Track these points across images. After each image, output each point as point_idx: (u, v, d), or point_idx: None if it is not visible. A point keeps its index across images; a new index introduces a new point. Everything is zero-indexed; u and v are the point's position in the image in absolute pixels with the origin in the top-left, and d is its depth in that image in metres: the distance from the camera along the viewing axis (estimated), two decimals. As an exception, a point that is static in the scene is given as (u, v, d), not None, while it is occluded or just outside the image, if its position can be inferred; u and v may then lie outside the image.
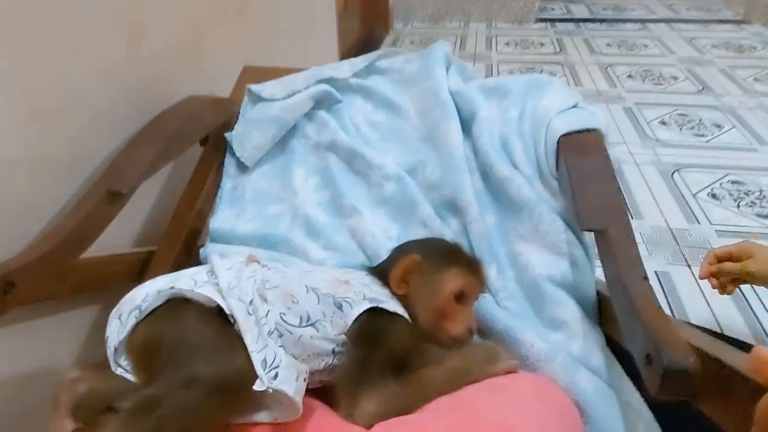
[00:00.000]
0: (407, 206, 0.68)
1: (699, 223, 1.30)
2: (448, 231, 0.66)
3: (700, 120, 1.81)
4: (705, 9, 3.23)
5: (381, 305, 0.49)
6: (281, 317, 0.47)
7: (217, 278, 0.48)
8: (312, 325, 0.48)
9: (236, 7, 1.11)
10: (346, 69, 0.83)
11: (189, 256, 0.74)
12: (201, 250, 0.70)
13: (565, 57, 2.47)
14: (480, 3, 3.05)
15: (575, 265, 0.59)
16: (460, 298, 0.53)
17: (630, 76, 2.21)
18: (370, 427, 0.44)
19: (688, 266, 1.17)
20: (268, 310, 0.47)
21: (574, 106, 0.72)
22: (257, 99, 0.81)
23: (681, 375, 0.38)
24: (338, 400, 0.47)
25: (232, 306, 0.45)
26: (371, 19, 2.87)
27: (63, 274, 0.59)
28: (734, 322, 1.04)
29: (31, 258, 0.53)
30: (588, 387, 0.50)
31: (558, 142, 0.65)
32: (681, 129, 1.76)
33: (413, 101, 0.79)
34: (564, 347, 0.54)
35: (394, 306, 0.51)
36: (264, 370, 0.42)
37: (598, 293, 0.58)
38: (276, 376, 0.42)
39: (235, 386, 0.42)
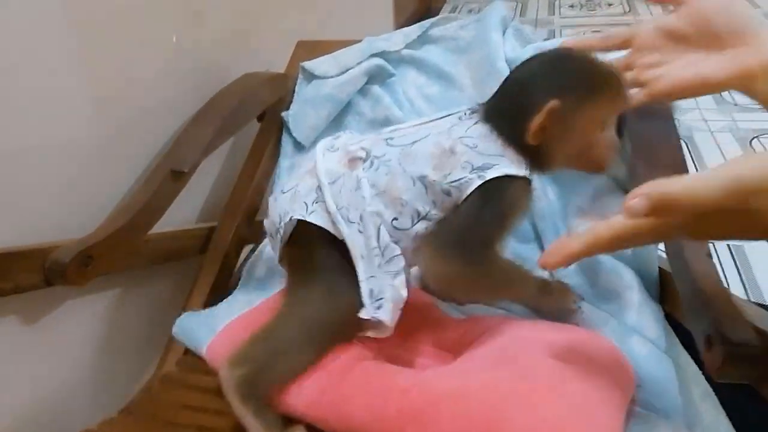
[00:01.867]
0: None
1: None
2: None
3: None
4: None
5: (489, 175, 0.46)
6: (393, 225, 0.48)
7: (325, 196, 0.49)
8: (424, 218, 0.48)
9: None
10: (398, 40, 0.82)
11: (250, 228, 0.78)
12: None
13: (635, 18, 2.32)
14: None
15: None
16: (604, 123, 0.49)
17: None
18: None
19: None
20: (380, 225, 0.47)
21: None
22: (311, 77, 0.82)
23: (743, 357, 0.36)
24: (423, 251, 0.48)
25: (343, 232, 0.47)
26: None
27: (135, 248, 0.63)
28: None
29: (105, 234, 0.57)
30: (642, 351, 0.48)
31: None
32: None
33: (469, 70, 0.77)
34: (617, 315, 0.53)
35: (505, 168, 0.46)
36: (370, 300, 0.46)
37: (660, 270, 0.56)
38: (380, 307, 0.46)
39: (347, 319, 0.47)
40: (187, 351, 0.60)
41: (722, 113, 1.54)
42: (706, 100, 1.61)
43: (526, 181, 0.48)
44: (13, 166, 0.53)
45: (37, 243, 0.54)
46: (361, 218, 0.48)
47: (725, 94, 1.64)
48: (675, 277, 0.49)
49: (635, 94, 0.50)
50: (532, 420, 0.36)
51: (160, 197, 0.64)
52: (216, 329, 0.57)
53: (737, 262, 1.05)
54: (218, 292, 0.69)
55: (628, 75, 0.50)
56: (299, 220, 0.49)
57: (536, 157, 0.48)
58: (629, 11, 2.41)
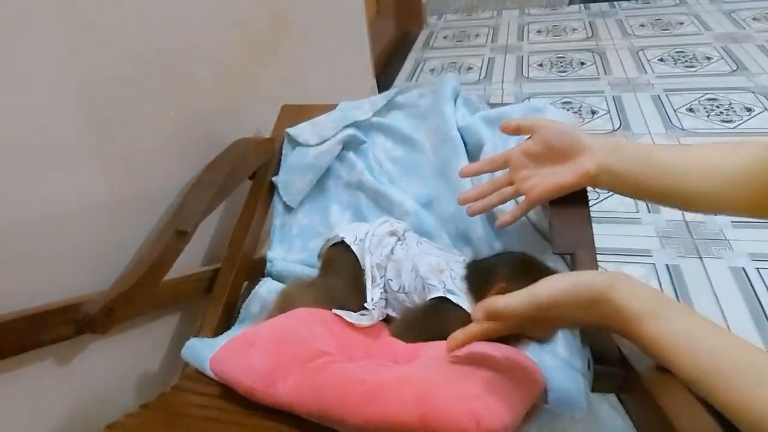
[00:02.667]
0: (426, 237, 0.82)
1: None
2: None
3: (730, 104, 1.83)
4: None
5: (450, 296, 0.68)
6: (388, 282, 0.74)
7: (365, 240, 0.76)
8: (405, 293, 0.73)
9: (268, 43, 1.26)
10: (367, 108, 0.96)
11: (249, 273, 0.92)
12: (268, 266, 0.91)
13: (597, 42, 2.49)
14: (512, -10, 3.09)
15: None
16: None
17: (661, 59, 2.22)
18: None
19: (700, 258, 1.24)
20: (386, 278, 0.74)
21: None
22: (295, 143, 0.96)
23: (607, 376, 0.51)
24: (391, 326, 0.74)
25: (365, 264, 0.75)
26: (405, 17, 2.96)
27: (148, 296, 0.77)
28: (741, 317, 1.11)
29: (124, 288, 0.70)
30: (552, 363, 0.63)
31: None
32: (709, 116, 1.79)
33: (427, 136, 0.92)
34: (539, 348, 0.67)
35: (460, 300, 0.68)
36: (369, 303, 0.72)
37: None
38: (373, 308, 0.71)
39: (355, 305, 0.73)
40: (194, 372, 0.74)
41: (670, 137, 1.70)
42: (657, 125, 1.78)
43: (467, 315, 0.68)
44: (36, 231, 0.66)
45: (65, 299, 0.67)
46: (377, 265, 0.74)
47: (673, 117, 1.80)
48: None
49: (521, 205, 0.72)
50: (452, 393, 0.51)
51: (168, 253, 0.78)
52: (215, 351, 0.71)
53: (673, 280, 1.20)
54: (224, 327, 0.83)
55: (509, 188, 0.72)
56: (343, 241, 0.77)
57: None
58: (592, 36, 2.58)
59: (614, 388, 0.51)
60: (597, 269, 0.64)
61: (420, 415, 0.51)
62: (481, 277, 0.69)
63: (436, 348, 0.65)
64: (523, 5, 3.09)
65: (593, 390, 0.52)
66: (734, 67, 2.08)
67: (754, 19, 2.49)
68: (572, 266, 0.67)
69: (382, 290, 0.74)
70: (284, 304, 0.76)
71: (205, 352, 0.73)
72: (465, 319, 0.67)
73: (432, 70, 2.45)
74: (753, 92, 1.88)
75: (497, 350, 0.62)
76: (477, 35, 2.80)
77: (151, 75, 0.84)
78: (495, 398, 0.52)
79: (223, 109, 1.04)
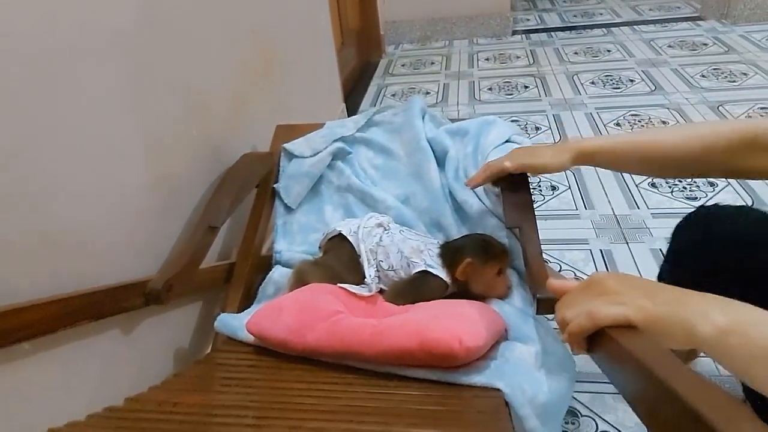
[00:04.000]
0: (406, 227, 1.03)
1: (638, 208, 1.64)
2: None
3: (649, 119, 2.15)
4: (666, 8, 3.55)
5: (431, 270, 0.88)
6: (379, 263, 0.92)
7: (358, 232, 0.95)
8: (393, 270, 0.91)
9: (261, 76, 1.47)
10: (351, 126, 1.18)
11: (258, 263, 1.10)
12: (275, 257, 1.09)
13: (538, 68, 2.81)
14: (461, 23, 3.40)
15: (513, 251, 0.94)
16: (499, 273, 0.89)
17: (593, 82, 2.55)
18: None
19: (627, 243, 1.50)
20: (377, 260, 0.93)
21: (507, 140, 1.07)
22: (291, 156, 1.16)
23: (546, 302, 0.73)
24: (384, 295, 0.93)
25: (361, 250, 0.94)
26: (366, 47, 3.22)
27: (192, 279, 0.95)
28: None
29: (177, 270, 0.88)
30: (510, 310, 0.85)
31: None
32: (632, 128, 2.10)
33: (402, 146, 1.14)
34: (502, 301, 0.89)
35: (438, 272, 0.88)
36: (368, 279, 0.90)
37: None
38: (371, 282, 0.90)
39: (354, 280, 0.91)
40: (225, 340, 0.92)
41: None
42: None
43: (445, 283, 0.89)
44: (99, 227, 0.84)
45: (135, 278, 0.85)
46: (370, 250, 0.93)
47: (603, 132, 2.10)
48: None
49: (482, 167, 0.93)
50: (440, 326, 0.72)
51: (203, 245, 0.97)
52: (243, 322, 0.89)
53: (606, 262, 1.45)
54: (245, 306, 1.01)
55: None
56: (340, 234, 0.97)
57: (468, 283, 0.89)
58: (533, 63, 2.90)
59: (552, 310, 0.73)
60: (538, 239, 0.86)
61: (418, 342, 0.72)
62: (452, 254, 0.91)
63: (423, 306, 0.85)
64: (471, 35, 3.41)
65: (537, 313, 0.74)
66: (653, 88, 2.41)
67: (669, 46, 2.87)
68: (520, 237, 0.90)
69: (376, 269, 0.94)
70: (298, 277, 0.95)
71: (234, 323, 0.92)
72: (443, 285, 0.89)
73: (393, 95, 2.70)
74: (668, 108, 2.20)
75: (470, 304, 0.84)
76: (432, 63, 3.08)
77: (183, 105, 1.04)
78: (471, 327, 0.74)
79: (229, 129, 1.24)
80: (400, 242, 0.94)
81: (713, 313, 0.44)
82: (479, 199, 1.02)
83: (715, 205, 0.85)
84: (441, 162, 1.10)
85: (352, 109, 2.48)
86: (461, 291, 0.90)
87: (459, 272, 0.87)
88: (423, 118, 1.16)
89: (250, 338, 0.87)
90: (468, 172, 1.05)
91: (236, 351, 0.88)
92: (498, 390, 0.68)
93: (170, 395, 0.71)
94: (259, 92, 1.42)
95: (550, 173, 1.18)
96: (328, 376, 0.77)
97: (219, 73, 1.21)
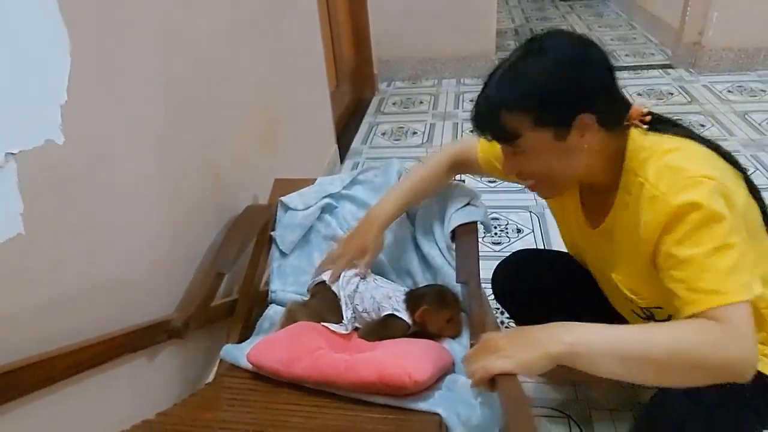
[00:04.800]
0: (380, 273, 1.25)
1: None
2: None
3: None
4: (641, 54, 3.82)
5: (396, 314, 1.10)
6: (355, 307, 1.14)
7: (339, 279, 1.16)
8: (367, 312, 1.13)
9: (262, 134, 1.69)
10: (338, 184, 1.41)
11: (256, 300, 1.31)
12: (271, 295, 1.30)
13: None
14: (450, 63, 3.65)
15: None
16: (450, 319, 1.12)
17: (565, 128, 2.78)
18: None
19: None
20: (354, 304, 1.14)
21: (468, 203, 1.30)
22: (286, 207, 1.39)
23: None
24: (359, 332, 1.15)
25: (340, 295, 1.15)
26: (360, 85, 3.46)
27: (203, 317, 1.16)
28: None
29: (192, 310, 1.10)
30: (458, 348, 1.07)
31: (453, 230, 1.23)
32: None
33: (379, 203, 1.37)
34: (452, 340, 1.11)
35: (402, 315, 1.10)
36: (345, 320, 1.12)
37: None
38: (347, 323, 1.12)
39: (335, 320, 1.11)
40: (228, 366, 1.13)
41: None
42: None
43: (408, 324, 1.11)
44: (135, 275, 1.06)
45: (157, 317, 1.06)
46: (348, 296, 1.12)
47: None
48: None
49: None
50: (396, 363, 0.93)
51: (213, 288, 1.18)
52: (243, 352, 1.10)
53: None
54: (244, 338, 1.22)
55: None
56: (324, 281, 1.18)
57: (425, 325, 1.12)
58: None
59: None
60: (482, 294, 1.09)
61: (378, 376, 0.93)
62: (413, 301, 1.13)
63: (387, 344, 1.07)
64: (459, 75, 3.66)
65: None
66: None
67: (639, 94, 3.12)
68: (467, 292, 1.12)
69: (352, 312, 1.16)
70: (289, 315, 1.16)
71: (235, 352, 1.13)
72: (405, 326, 1.11)
73: (383, 134, 2.94)
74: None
75: (425, 343, 1.06)
76: (421, 102, 3.33)
77: (198, 170, 1.27)
78: (420, 364, 0.95)
79: (234, 185, 1.46)
80: (373, 289, 1.16)
81: (559, 336, 0.71)
82: (441, 252, 1.24)
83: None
84: (412, 219, 1.32)
85: (344, 147, 2.71)
86: (421, 330, 1.12)
87: (417, 316, 1.09)
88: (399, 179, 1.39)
89: (249, 366, 1.08)
90: (434, 228, 1.27)
91: (238, 376, 1.09)
92: (438, 414, 0.89)
93: (190, 411, 0.93)
94: (259, 148, 1.64)
95: None
96: (311, 399, 0.98)
97: (227, 139, 1.43)
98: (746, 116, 2.71)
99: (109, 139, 0.96)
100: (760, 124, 2.62)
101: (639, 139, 0.84)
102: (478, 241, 1.19)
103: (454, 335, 1.13)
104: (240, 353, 1.11)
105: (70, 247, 0.88)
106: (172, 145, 1.15)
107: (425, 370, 0.94)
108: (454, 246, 1.23)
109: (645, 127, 0.85)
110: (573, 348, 0.69)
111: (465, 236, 1.20)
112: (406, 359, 0.95)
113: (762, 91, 3.00)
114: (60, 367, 0.81)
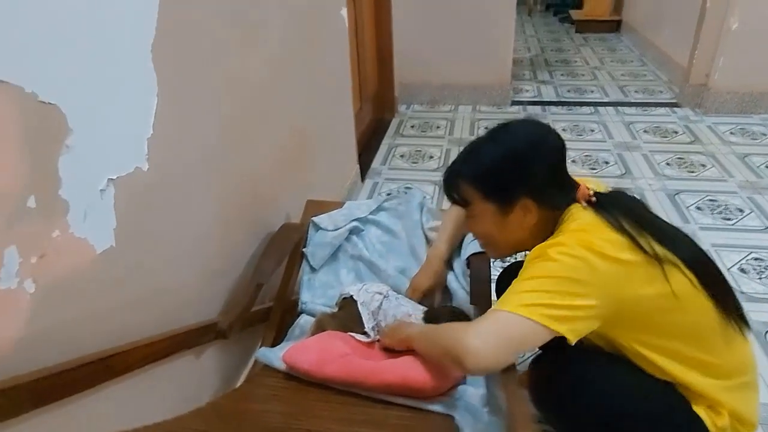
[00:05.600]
0: (401, 292, 1.41)
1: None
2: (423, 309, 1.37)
3: (616, 200, 2.53)
4: (650, 91, 3.98)
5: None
6: (379, 323, 1.26)
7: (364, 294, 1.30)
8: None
9: (294, 157, 1.86)
10: (365, 209, 1.57)
11: (289, 308, 1.47)
12: (301, 306, 1.45)
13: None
14: (467, 90, 3.82)
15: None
16: None
17: (573, 161, 2.94)
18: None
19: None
20: (377, 319, 1.26)
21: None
22: (317, 227, 1.55)
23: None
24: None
25: (362, 312, 1.28)
26: (381, 106, 3.64)
27: (243, 322, 1.31)
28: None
29: (236, 314, 1.26)
30: None
31: (468, 258, 1.38)
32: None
33: (404, 229, 1.53)
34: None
35: None
36: (368, 330, 1.25)
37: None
38: (372, 329, 1.26)
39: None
40: (263, 367, 1.28)
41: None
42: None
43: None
44: (190, 283, 1.22)
45: (207, 320, 1.22)
46: (372, 312, 1.25)
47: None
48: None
49: None
50: (417, 370, 1.08)
51: (253, 297, 1.34)
52: (279, 355, 1.25)
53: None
54: (277, 343, 1.37)
55: None
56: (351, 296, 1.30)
57: None
58: (526, 135, 3.31)
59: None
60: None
61: (402, 378, 1.08)
62: (431, 320, 1.27)
63: (407, 353, 1.22)
64: (475, 102, 3.83)
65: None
66: (624, 171, 2.81)
67: (645, 131, 3.27)
68: (477, 313, 1.27)
69: (375, 325, 1.30)
70: (318, 325, 1.32)
71: (270, 355, 1.28)
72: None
73: (402, 156, 3.10)
74: (633, 193, 2.59)
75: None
76: (438, 126, 3.50)
77: (241, 192, 1.43)
78: (438, 372, 1.10)
79: (268, 202, 1.63)
80: (394, 308, 1.30)
81: (408, 329, 1.13)
82: (456, 278, 1.39)
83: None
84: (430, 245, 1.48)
85: (365, 166, 2.87)
86: None
87: None
88: (422, 210, 1.55)
89: (282, 367, 1.23)
90: (453, 257, 1.43)
91: (271, 376, 1.25)
92: (452, 417, 1.04)
93: (236, 403, 1.08)
94: (291, 170, 1.81)
95: None
96: (338, 397, 1.13)
97: (265, 162, 1.60)
98: (746, 158, 2.86)
99: (179, 167, 1.13)
100: (758, 167, 2.76)
101: (574, 215, 0.97)
102: (490, 268, 1.34)
103: None
104: (274, 356, 1.26)
105: (146, 257, 1.04)
106: (221, 171, 1.32)
107: (443, 378, 1.09)
108: (468, 272, 1.38)
109: (585, 204, 0.98)
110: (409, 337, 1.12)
111: (478, 264, 1.35)
112: (427, 366, 1.10)
113: (763, 134, 3.14)
114: (137, 357, 0.97)
